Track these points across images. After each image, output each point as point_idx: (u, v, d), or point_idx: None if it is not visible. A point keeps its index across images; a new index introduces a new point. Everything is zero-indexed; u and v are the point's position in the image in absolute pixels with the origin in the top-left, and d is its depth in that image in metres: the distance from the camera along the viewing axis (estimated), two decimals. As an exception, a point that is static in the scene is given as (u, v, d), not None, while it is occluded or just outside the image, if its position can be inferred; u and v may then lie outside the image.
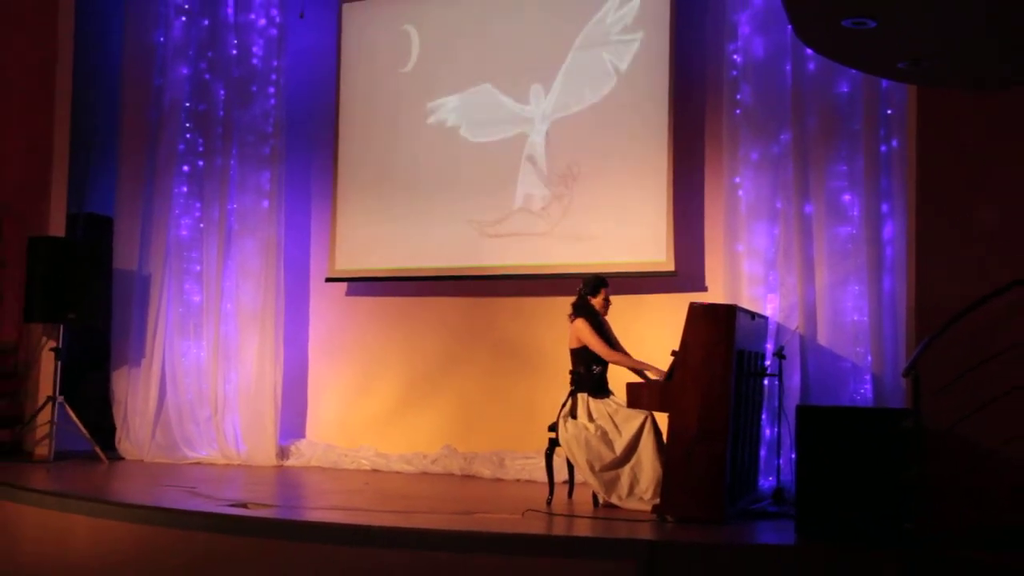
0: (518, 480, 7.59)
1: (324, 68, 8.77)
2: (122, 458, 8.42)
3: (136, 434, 8.49)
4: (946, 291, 5.64)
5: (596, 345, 6.37)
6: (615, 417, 6.26)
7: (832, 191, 6.83)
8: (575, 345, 6.47)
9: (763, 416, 6.69)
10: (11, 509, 6.41)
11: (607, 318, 6.65)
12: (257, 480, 7.52)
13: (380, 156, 8.48)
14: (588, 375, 6.40)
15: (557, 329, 7.64)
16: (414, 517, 5.74)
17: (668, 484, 5.75)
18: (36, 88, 8.53)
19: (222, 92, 8.70)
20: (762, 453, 6.72)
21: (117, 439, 8.53)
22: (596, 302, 6.53)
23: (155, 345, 8.51)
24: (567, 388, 6.48)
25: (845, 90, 6.83)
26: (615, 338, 6.61)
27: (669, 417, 5.84)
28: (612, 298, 6.65)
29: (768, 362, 6.63)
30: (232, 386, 8.47)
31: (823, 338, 6.76)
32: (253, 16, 8.70)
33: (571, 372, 6.48)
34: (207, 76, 8.72)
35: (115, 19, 9.01)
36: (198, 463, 8.33)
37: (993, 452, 5.22)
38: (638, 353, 6.65)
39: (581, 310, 6.50)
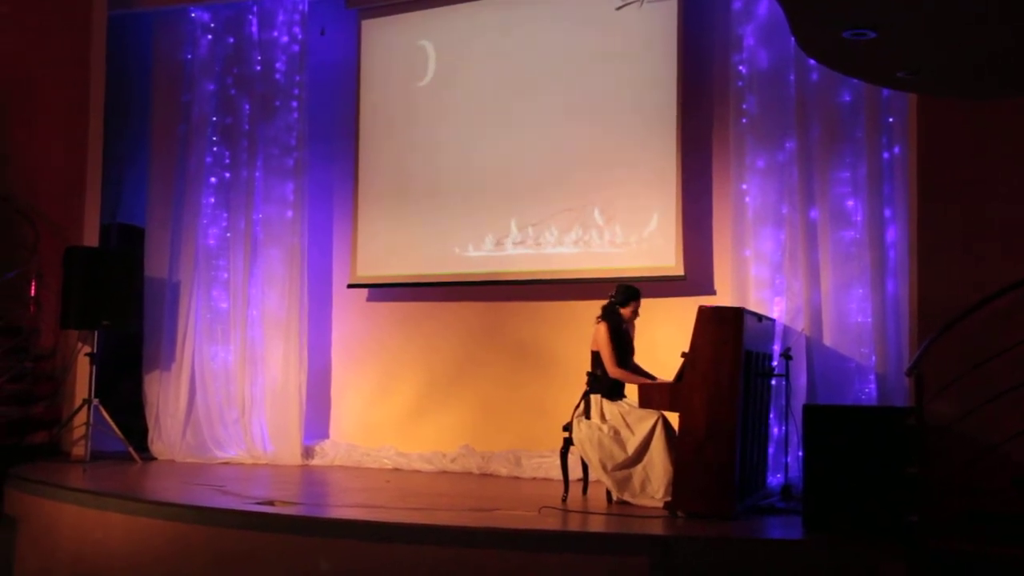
0: (534, 478, 7.59)
1: (344, 82, 8.81)
2: (154, 458, 8.46)
3: (167, 435, 8.53)
4: (947, 293, 5.64)
5: (606, 355, 6.35)
6: (627, 418, 6.26)
7: (836, 197, 6.83)
8: (595, 348, 6.48)
9: (771, 415, 6.67)
10: (50, 507, 6.46)
11: (644, 327, 6.63)
12: (283, 479, 7.55)
13: (398, 166, 8.50)
14: (605, 377, 6.40)
15: (571, 332, 7.66)
16: (434, 514, 5.75)
17: (679, 481, 5.75)
18: (71, 105, 8.60)
19: (247, 107, 8.75)
20: (770, 451, 6.69)
21: (149, 440, 8.58)
22: (625, 312, 6.51)
23: (185, 350, 8.57)
24: (581, 389, 6.47)
25: (847, 99, 6.83)
26: (632, 348, 6.59)
27: (679, 416, 5.83)
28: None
29: (775, 362, 6.62)
30: (259, 389, 8.49)
31: (828, 339, 6.75)
32: (276, 33, 8.75)
33: (588, 373, 6.48)
34: (232, 91, 8.77)
35: (145, 38, 9.09)
36: (227, 463, 8.36)
37: (993, 448, 5.20)
38: (650, 354, 6.65)
39: (607, 315, 6.50)
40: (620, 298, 6.49)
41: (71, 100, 8.61)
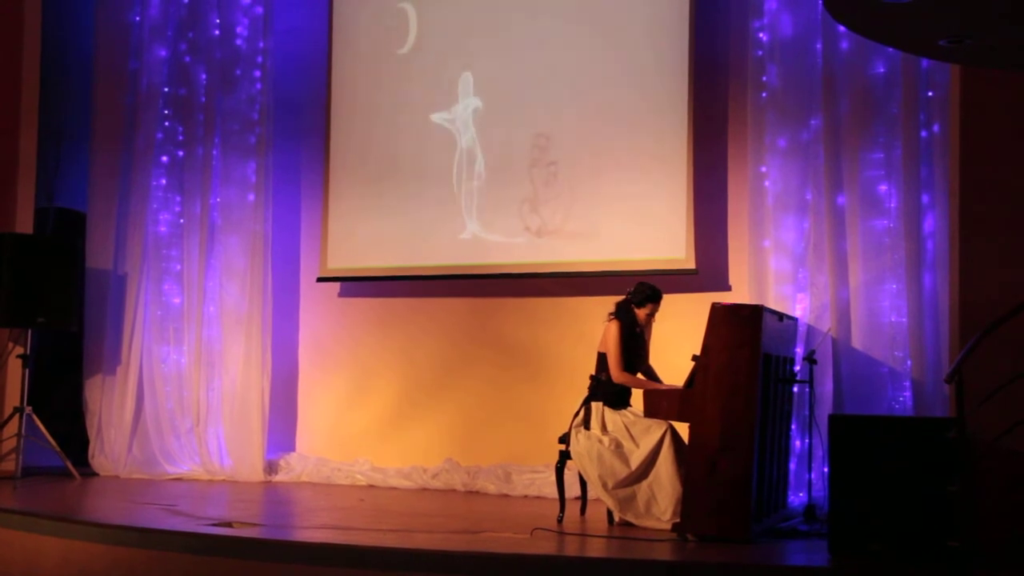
0: (526, 496, 7.61)
1: (314, 50, 8.79)
2: (96, 474, 8.44)
3: (111, 447, 8.51)
4: (993, 289, 5.64)
5: (612, 358, 6.33)
6: (632, 428, 6.24)
7: (867, 181, 6.85)
8: (602, 349, 6.44)
9: (792, 426, 6.68)
10: (-25, 529, 6.44)
11: (654, 326, 6.59)
12: (242, 497, 7.54)
13: (375, 145, 8.49)
14: (609, 382, 6.38)
15: (568, 332, 7.67)
16: (413, 536, 5.75)
17: (689, 500, 5.74)
18: (1, 73, 8.53)
19: (204, 76, 8.72)
20: (791, 466, 6.71)
21: (90, 453, 8.55)
22: (640, 313, 6.47)
23: (132, 351, 8.53)
24: (580, 396, 6.46)
25: (881, 71, 6.84)
26: (645, 354, 6.55)
27: (690, 427, 5.84)
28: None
29: (798, 367, 6.63)
30: (216, 395, 8.48)
31: (858, 341, 6.76)
32: (237, -7, 8.74)
33: (592, 377, 6.45)
34: (187, 59, 8.74)
35: (87, -3, 9.07)
36: (178, 479, 8.35)
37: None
38: (657, 357, 6.63)
39: (619, 313, 6.46)
40: (637, 297, 6.46)
41: (1, 67, 8.53)
